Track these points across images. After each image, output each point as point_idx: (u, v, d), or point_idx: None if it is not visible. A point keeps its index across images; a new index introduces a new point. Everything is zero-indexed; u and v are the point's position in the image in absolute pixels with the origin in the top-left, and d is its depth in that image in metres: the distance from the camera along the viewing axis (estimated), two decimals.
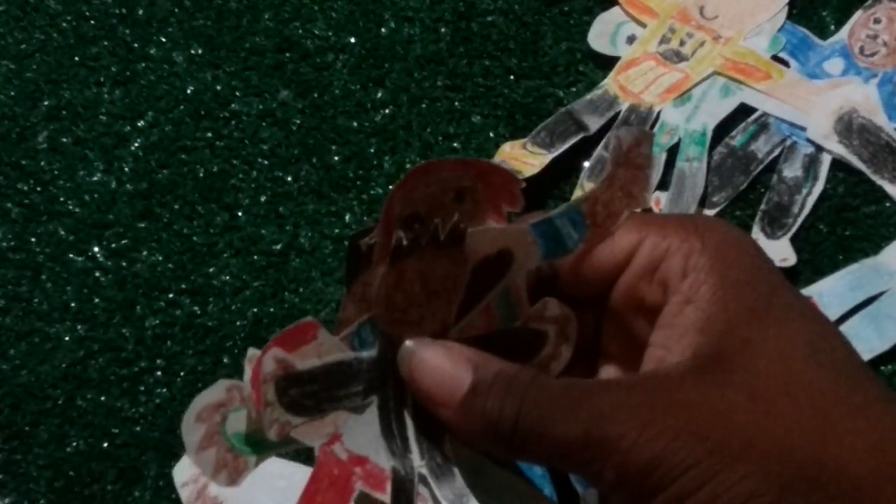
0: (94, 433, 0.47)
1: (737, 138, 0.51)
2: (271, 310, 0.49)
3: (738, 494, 0.24)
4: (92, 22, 0.56)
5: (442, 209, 0.27)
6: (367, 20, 0.55)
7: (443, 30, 0.55)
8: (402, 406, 0.29)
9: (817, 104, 0.50)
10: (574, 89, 0.53)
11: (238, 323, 0.49)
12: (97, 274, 0.50)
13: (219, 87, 0.54)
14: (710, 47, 0.53)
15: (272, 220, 0.51)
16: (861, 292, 0.46)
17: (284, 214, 0.51)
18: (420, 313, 0.28)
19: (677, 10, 0.54)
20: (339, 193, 0.51)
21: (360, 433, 0.28)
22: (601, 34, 0.54)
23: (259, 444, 0.26)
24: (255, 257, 0.50)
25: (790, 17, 0.53)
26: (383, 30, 0.55)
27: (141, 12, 0.56)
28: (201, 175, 0.52)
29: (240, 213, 0.51)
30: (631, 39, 0.54)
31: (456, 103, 0.53)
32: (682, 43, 0.53)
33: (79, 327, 0.49)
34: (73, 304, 0.49)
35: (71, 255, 0.50)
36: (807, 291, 0.47)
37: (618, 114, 0.52)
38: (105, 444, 0.47)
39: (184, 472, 0.45)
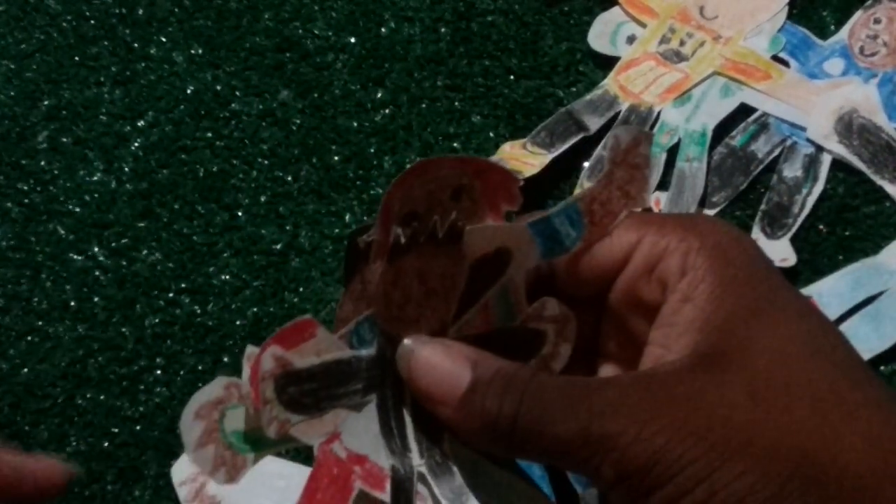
0: (94, 432, 0.47)
1: (737, 138, 0.51)
2: (271, 309, 0.49)
3: (736, 491, 0.24)
4: (92, 22, 0.56)
5: (440, 207, 0.27)
6: (367, 20, 0.55)
7: (443, 30, 0.55)
8: (400, 404, 0.28)
9: (817, 104, 0.50)
10: (574, 89, 0.53)
11: (238, 322, 0.49)
12: (97, 273, 0.50)
13: (219, 87, 0.54)
14: (710, 47, 0.53)
15: (272, 220, 0.51)
16: (861, 292, 0.46)
17: (284, 214, 0.51)
18: (418, 311, 0.28)
19: (677, 10, 0.54)
20: (339, 193, 0.51)
21: (359, 432, 0.28)
22: (601, 34, 0.54)
23: (257, 442, 0.26)
24: (255, 257, 0.50)
25: (790, 17, 0.53)
26: (383, 30, 0.55)
27: (141, 12, 0.56)
28: (201, 175, 0.52)
29: (240, 213, 0.51)
30: (631, 39, 0.54)
31: (456, 103, 0.53)
32: (682, 43, 0.53)
33: (79, 326, 0.49)
34: (72, 304, 0.49)
35: (71, 255, 0.50)
36: (806, 291, 0.47)
37: (618, 114, 0.52)
38: (105, 444, 0.47)
39: (182, 471, 0.45)
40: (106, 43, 0.55)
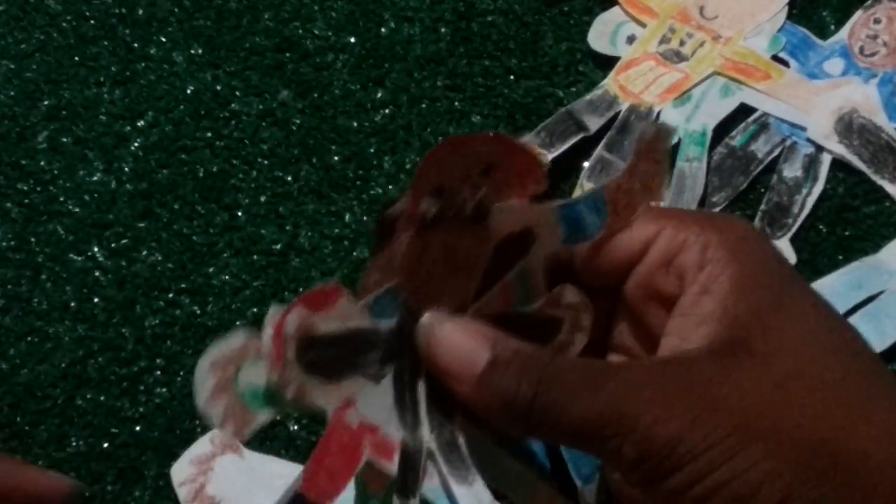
0: (94, 433, 0.47)
1: (737, 138, 0.51)
2: None
3: (757, 474, 0.25)
4: (92, 22, 0.56)
5: (470, 181, 0.27)
6: (367, 20, 0.55)
7: (443, 30, 0.55)
8: (416, 379, 0.29)
9: (817, 104, 0.50)
10: (574, 89, 0.53)
11: (238, 323, 0.49)
12: (97, 274, 0.50)
13: (219, 87, 0.54)
14: (709, 47, 0.53)
15: (272, 220, 0.51)
16: (861, 291, 0.46)
17: (284, 214, 0.51)
18: (441, 287, 0.28)
19: (677, 10, 0.54)
20: (338, 193, 0.51)
21: (373, 402, 0.28)
22: (601, 34, 0.54)
23: (271, 400, 0.26)
24: (255, 257, 0.50)
25: (790, 17, 0.53)
26: (383, 30, 0.55)
27: (141, 12, 0.56)
28: (201, 175, 0.52)
29: (240, 213, 0.51)
30: (631, 39, 0.54)
31: (456, 103, 0.53)
32: (681, 43, 0.53)
33: (78, 327, 0.49)
34: (72, 304, 0.49)
35: (71, 255, 0.50)
36: None
37: (618, 114, 0.52)
38: (105, 444, 0.47)
39: (181, 471, 0.45)
40: (106, 43, 0.55)
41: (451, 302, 0.28)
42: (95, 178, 0.52)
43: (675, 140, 0.50)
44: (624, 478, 0.27)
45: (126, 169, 0.52)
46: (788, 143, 0.50)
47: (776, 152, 0.50)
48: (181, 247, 0.50)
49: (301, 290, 0.49)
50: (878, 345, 0.45)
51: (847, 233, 0.49)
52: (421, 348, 0.28)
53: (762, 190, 0.50)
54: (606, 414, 0.25)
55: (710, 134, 0.51)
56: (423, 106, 0.53)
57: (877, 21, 0.53)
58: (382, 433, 0.28)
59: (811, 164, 0.50)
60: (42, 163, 0.53)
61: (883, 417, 0.26)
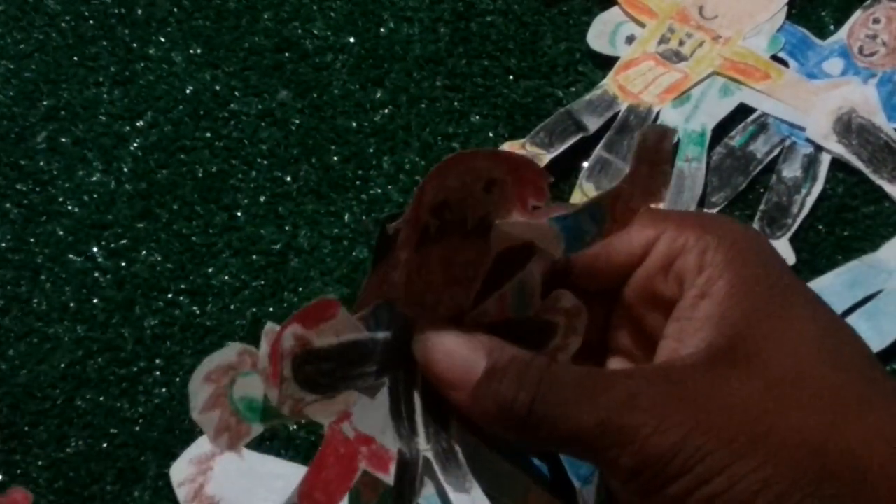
0: (94, 433, 0.47)
1: (736, 138, 0.51)
2: (270, 310, 0.49)
3: (753, 482, 0.25)
4: (91, 22, 0.56)
5: (472, 198, 0.27)
6: (367, 20, 0.55)
7: (442, 30, 0.55)
8: (412, 388, 0.29)
9: (816, 104, 0.50)
10: (573, 89, 0.53)
11: (237, 323, 0.49)
12: (96, 274, 0.50)
13: (218, 87, 0.54)
14: (709, 47, 0.53)
15: (271, 220, 0.51)
16: (859, 290, 0.46)
17: (283, 214, 0.51)
18: (438, 297, 0.28)
19: (676, 10, 0.54)
20: (338, 193, 0.51)
21: (369, 413, 0.28)
22: (600, 34, 0.54)
23: (265, 413, 0.26)
24: (254, 257, 0.50)
25: (789, 16, 0.53)
26: (382, 30, 0.55)
27: (140, 12, 0.56)
28: (200, 175, 0.52)
29: (239, 213, 0.51)
30: (630, 39, 0.54)
31: (455, 103, 0.53)
32: (681, 43, 0.53)
33: (78, 327, 0.49)
34: (72, 305, 0.49)
35: (70, 256, 0.50)
36: None
37: (617, 114, 0.52)
38: (104, 445, 0.47)
39: (181, 471, 0.45)
40: (105, 43, 0.55)
41: (447, 311, 0.28)
42: (94, 179, 0.52)
43: (674, 140, 0.51)
44: (621, 487, 0.27)
45: (125, 169, 0.52)
46: (788, 143, 0.50)
47: (775, 152, 0.50)
48: (180, 247, 0.50)
49: (300, 290, 0.49)
50: (877, 344, 0.45)
51: (846, 233, 0.49)
52: (417, 358, 0.28)
53: (761, 190, 0.50)
54: (604, 425, 0.26)
55: (709, 134, 0.51)
56: (423, 106, 0.53)
57: (876, 21, 0.53)
58: (378, 444, 0.28)
59: (810, 164, 0.50)
60: (41, 163, 0.53)
61: (878, 422, 0.26)
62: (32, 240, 0.51)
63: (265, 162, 0.52)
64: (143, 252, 0.50)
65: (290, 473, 0.43)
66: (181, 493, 0.44)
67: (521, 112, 0.53)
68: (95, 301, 0.49)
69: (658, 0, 0.55)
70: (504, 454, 0.30)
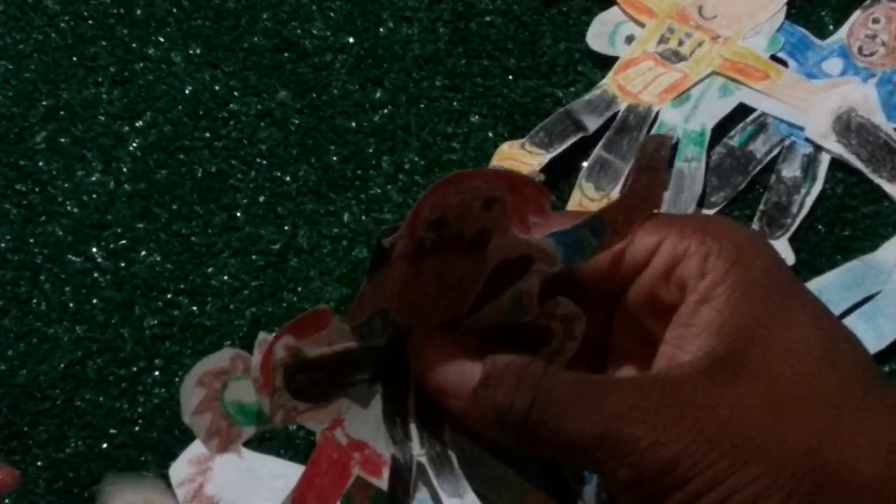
0: (93, 433, 0.47)
1: (735, 138, 0.51)
2: (270, 309, 0.49)
3: (750, 494, 0.25)
4: (90, 22, 0.56)
5: (470, 215, 0.27)
6: (366, 20, 0.55)
7: (441, 30, 0.55)
8: (405, 394, 0.29)
9: (816, 104, 0.50)
10: (573, 89, 0.53)
11: (236, 323, 0.49)
12: (96, 274, 0.50)
13: (217, 88, 0.54)
14: (708, 47, 0.53)
15: (271, 220, 0.51)
16: (858, 291, 0.46)
17: (283, 214, 0.51)
18: (433, 305, 0.28)
19: (676, 9, 0.54)
20: (337, 193, 0.51)
21: (361, 419, 0.28)
22: (600, 34, 0.54)
23: (256, 417, 0.27)
24: (254, 257, 0.50)
25: (789, 16, 0.53)
26: (382, 30, 0.55)
27: (139, 12, 0.56)
28: (200, 175, 0.52)
29: (238, 214, 0.51)
30: (629, 39, 0.54)
31: (454, 103, 0.53)
32: (680, 43, 0.53)
33: (77, 328, 0.49)
34: (71, 305, 0.49)
35: (69, 256, 0.50)
36: None
37: (616, 114, 0.52)
38: (104, 445, 0.47)
39: (180, 471, 0.45)
40: (104, 43, 0.55)
41: (442, 319, 0.28)
42: (94, 179, 0.52)
43: (673, 140, 0.51)
44: (621, 496, 0.27)
45: (124, 169, 0.52)
46: (787, 142, 0.50)
47: (775, 152, 0.50)
48: (180, 247, 0.50)
49: (300, 289, 0.49)
50: (876, 344, 0.45)
51: (846, 233, 0.49)
52: (413, 365, 0.28)
53: (761, 190, 0.50)
54: (602, 436, 0.26)
55: (708, 134, 0.51)
56: (422, 106, 0.53)
57: (875, 21, 0.53)
58: (370, 449, 0.28)
59: (810, 164, 0.50)
60: (40, 163, 0.53)
61: (877, 432, 0.26)
62: (32, 240, 0.51)
63: (264, 162, 0.52)
64: (143, 252, 0.50)
65: (290, 473, 0.43)
66: (180, 492, 0.44)
67: (520, 112, 0.53)
68: (95, 301, 0.49)
69: (657, 0, 0.55)
70: (501, 458, 0.30)
